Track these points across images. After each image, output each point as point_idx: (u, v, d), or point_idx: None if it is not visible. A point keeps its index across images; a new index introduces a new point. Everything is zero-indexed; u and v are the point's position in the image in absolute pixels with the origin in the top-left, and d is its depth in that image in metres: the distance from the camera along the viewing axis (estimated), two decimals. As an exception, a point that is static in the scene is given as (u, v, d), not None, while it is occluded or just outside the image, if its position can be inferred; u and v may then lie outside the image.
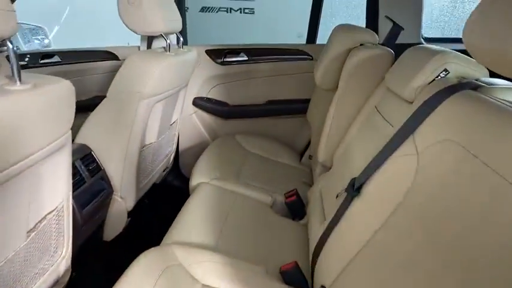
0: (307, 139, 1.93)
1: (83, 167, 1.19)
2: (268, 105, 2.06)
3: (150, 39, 1.94)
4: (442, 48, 0.94)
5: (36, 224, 0.89)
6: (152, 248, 1.01)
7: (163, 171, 1.89)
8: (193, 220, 1.20)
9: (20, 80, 0.70)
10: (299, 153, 1.99)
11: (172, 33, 1.51)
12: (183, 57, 1.49)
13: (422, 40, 1.79)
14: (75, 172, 1.16)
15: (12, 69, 0.70)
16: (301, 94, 1.99)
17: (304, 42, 2.10)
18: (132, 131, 1.30)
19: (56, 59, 2.01)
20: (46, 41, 2.67)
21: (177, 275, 0.94)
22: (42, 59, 1.97)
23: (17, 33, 2.32)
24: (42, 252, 0.94)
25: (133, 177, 1.40)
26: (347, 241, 0.87)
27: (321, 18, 2.02)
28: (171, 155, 1.91)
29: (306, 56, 2.00)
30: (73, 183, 1.04)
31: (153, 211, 1.70)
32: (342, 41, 1.42)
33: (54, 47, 2.85)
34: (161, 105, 1.44)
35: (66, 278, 1.10)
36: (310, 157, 1.79)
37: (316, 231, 1.06)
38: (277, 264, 1.04)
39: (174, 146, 1.93)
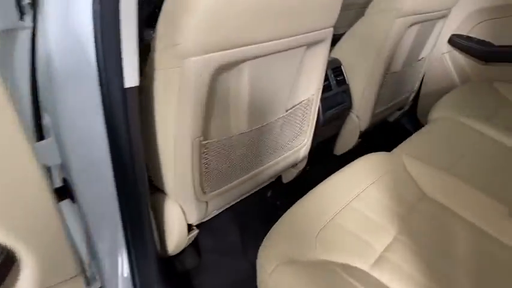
0: None
1: (332, 75, 1.33)
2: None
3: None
4: None
5: (292, 106, 1.09)
6: (380, 152, 1.04)
7: (399, 109, 1.85)
8: (428, 141, 1.15)
9: None
10: None
11: None
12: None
13: None
14: (326, 79, 1.30)
15: None
16: None
17: None
18: (381, 53, 1.32)
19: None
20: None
21: (401, 180, 0.95)
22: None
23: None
24: (290, 131, 1.14)
25: (371, 101, 1.44)
26: None
27: None
28: (410, 94, 1.83)
29: None
30: (323, 86, 1.18)
31: (382, 139, 1.70)
32: None
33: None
34: (415, 31, 1.38)
35: (302, 166, 1.31)
36: None
37: None
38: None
39: (416, 86, 1.83)
